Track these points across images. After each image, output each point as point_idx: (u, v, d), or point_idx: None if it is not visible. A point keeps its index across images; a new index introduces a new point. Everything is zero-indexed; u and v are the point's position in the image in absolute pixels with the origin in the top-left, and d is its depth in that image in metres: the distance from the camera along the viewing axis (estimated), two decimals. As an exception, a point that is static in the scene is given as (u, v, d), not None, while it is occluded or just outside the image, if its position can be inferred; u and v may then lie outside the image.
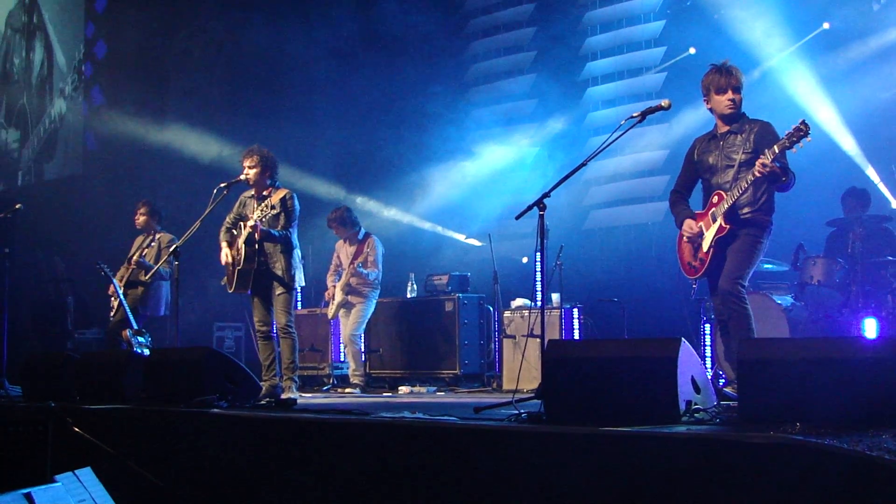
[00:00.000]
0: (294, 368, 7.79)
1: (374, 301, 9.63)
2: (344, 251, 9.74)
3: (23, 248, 13.09)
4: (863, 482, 3.01)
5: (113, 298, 9.31)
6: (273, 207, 7.69)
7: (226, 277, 7.88)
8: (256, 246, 7.60)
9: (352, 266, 9.39)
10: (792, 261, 8.32)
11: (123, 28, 14.45)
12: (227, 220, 7.93)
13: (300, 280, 7.88)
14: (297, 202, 7.84)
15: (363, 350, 9.71)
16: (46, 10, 15.96)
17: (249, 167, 7.78)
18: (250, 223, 7.55)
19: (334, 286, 9.72)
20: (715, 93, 5.78)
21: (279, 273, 7.64)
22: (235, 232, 7.76)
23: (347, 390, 9.36)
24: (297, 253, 7.87)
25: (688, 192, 6.14)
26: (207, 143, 12.64)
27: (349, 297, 9.55)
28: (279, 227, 7.70)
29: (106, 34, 14.98)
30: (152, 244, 9.46)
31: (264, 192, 7.83)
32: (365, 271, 9.40)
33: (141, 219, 9.58)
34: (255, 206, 7.73)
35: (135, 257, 9.43)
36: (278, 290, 7.69)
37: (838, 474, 3.07)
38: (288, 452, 4.98)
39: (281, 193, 7.80)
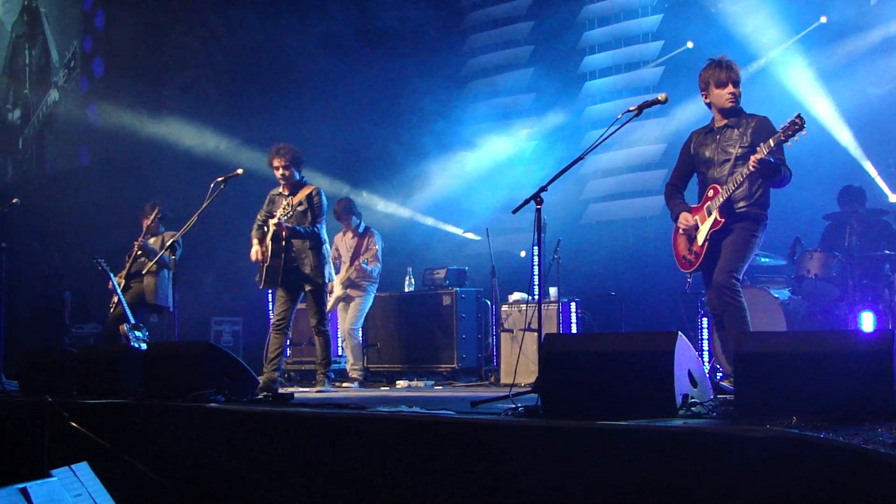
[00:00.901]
0: (327, 364, 8.08)
1: (373, 294, 9.63)
2: (343, 244, 9.73)
3: (20, 243, 13.07)
4: (858, 475, 3.02)
5: (113, 295, 9.31)
6: (300, 204, 7.74)
7: (258, 274, 7.92)
8: (283, 242, 7.66)
9: (357, 262, 9.40)
10: (789, 254, 8.33)
11: (121, 23, 14.44)
12: (258, 217, 7.99)
13: (329, 275, 8.01)
14: (324, 198, 7.91)
15: (362, 344, 9.71)
16: (44, 6, 15.96)
17: (284, 167, 7.78)
18: (273, 221, 7.62)
19: (332, 280, 9.71)
20: (715, 87, 5.76)
21: (308, 270, 7.73)
22: (266, 229, 7.81)
23: (345, 384, 9.36)
24: (327, 248, 7.97)
25: (683, 185, 6.13)
26: (205, 137, 12.64)
27: (348, 290, 9.55)
28: (306, 224, 7.74)
29: (103, 30, 14.96)
30: (157, 234, 9.49)
31: (293, 190, 7.87)
32: (369, 267, 9.41)
33: (153, 225, 9.57)
34: (283, 203, 7.77)
35: (139, 241, 9.40)
36: (308, 287, 7.79)
37: (834, 468, 3.07)
38: (285, 447, 4.98)
39: (307, 190, 7.84)
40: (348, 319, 9.53)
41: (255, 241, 7.87)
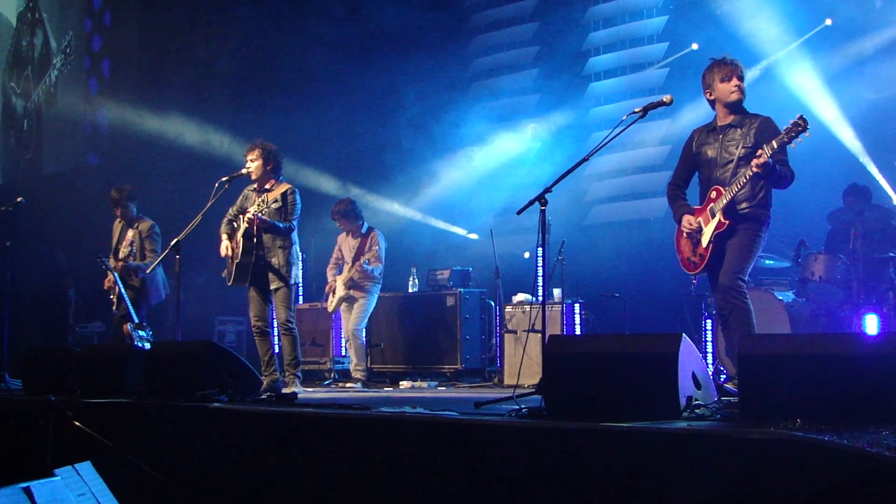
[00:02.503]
0: (296, 364, 7.83)
1: (376, 295, 9.62)
2: (346, 245, 9.73)
3: (24, 242, 13.08)
4: (863, 479, 3.01)
5: (112, 294, 9.27)
6: (276, 201, 7.70)
7: (226, 270, 7.90)
8: (255, 240, 7.62)
9: (358, 263, 9.39)
10: (793, 256, 8.32)
11: (125, 21, 14.46)
12: (230, 212, 7.95)
13: (296, 276, 7.87)
14: (298, 197, 7.83)
15: (365, 344, 9.71)
16: (44, 6, 16.03)
17: (252, 160, 7.79)
18: (248, 216, 7.55)
19: (335, 280, 9.71)
20: (720, 81, 5.77)
21: (276, 267, 7.64)
22: (236, 225, 7.78)
23: (348, 385, 9.36)
24: (296, 249, 7.87)
25: (685, 184, 6.14)
26: (209, 137, 12.64)
27: (351, 291, 9.55)
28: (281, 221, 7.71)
29: (108, 28, 15.00)
30: (131, 231, 9.32)
31: (266, 186, 7.83)
32: (370, 267, 9.41)
33: (125, 211, 9.37)
34: (256, 199, 7.73)
35: (122, 253, 9.29)
36: (275, 285, 7.69)
37: (839, 471, 3.07)
38: (288, 447, 4.98)
39: (283, 188, 7.80)
40: (352, 320, 9.52)
41: (224, 237, 7.82)
